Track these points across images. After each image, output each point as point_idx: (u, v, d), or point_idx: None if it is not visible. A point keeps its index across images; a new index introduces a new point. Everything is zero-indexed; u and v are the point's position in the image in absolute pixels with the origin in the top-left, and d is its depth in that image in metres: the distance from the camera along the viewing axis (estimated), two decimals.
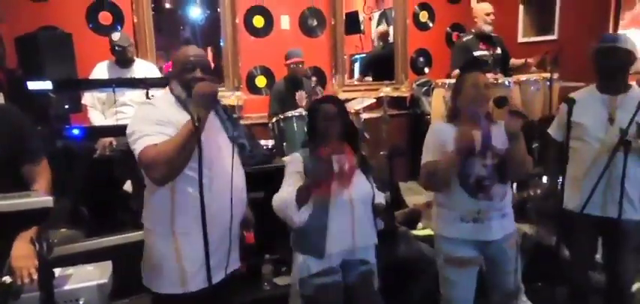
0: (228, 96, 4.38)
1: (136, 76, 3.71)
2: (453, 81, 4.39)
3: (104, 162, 3.54)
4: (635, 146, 2.24)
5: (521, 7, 5.21)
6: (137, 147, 1.73)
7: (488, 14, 4.28)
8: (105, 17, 4.30)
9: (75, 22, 4.11)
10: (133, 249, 2.25)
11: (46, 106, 3.01)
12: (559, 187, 2.60)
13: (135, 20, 4.41)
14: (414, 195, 4.30)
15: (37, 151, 1.99)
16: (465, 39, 4.39)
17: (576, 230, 2.59)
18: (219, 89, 4.46)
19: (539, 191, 3.47)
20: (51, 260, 1.72)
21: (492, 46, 4.34)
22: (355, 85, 5.70)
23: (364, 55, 6.79)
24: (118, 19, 4.33)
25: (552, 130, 2.69)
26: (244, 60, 4.85)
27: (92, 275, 2.01)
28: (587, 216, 2.38)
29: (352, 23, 5.94)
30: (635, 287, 2.91)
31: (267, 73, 4.94)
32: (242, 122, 4.16)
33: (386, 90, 4.71)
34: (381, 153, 4.33)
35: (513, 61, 4.51)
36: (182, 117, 1.73)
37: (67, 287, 1.92)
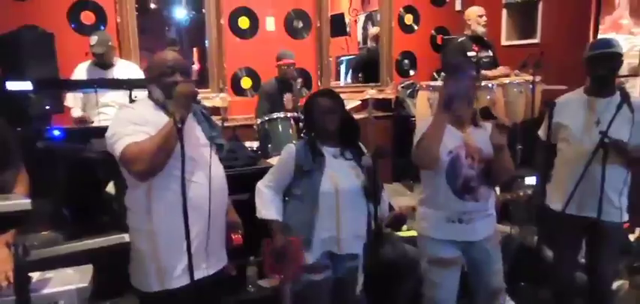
0: (213, 98, 4.31)
1: (118, 77, 3.67)
2: (438, 83, 4.45)
3: (86, 163, 3.48)
4: (613, 148, 2.27)
5: (504, 11, 5.28)
6: (118, 147, 1.73)
7: (480, 16, 4.31)
8: (87, 17, 4.24)
9: (57, 21, 4.05)
10: (115, 251, 2.22)
11: (26, 107, 2.96)
12: (543, 188, 2.66)
13: (118, 20, 4.36)
14: (399, 197, 4.32)
15: (19, 159, 1.98)
16: (459, 40, 4.38)
17: (559, 231, 2.64)
18: (204, 91, 4.48)
19: (521, 193, 3.51)
20: (30, 264, 1.70)
21: (484, 49, 4.36)
22: (341, 88, 5.70)
23: (350, 57, 6.81)
24: (101, 18, 4.28)
25: (541, 132, 2.73)
26: (229, 61, 4.83)
27: (72, 279, 1.97)
28: (570, 216, 2.42)
29: (338, 25, 5.96)
30: (615, 284, 2.96)
31: (252, 74, 4.92)
32: (227, 125, 4.12)
33: (371, 93, 4.74)
34: (366, 154, 4.33)
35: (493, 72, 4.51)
36: (161, 119, 1.76)
37: (45, 291, 1.88)
